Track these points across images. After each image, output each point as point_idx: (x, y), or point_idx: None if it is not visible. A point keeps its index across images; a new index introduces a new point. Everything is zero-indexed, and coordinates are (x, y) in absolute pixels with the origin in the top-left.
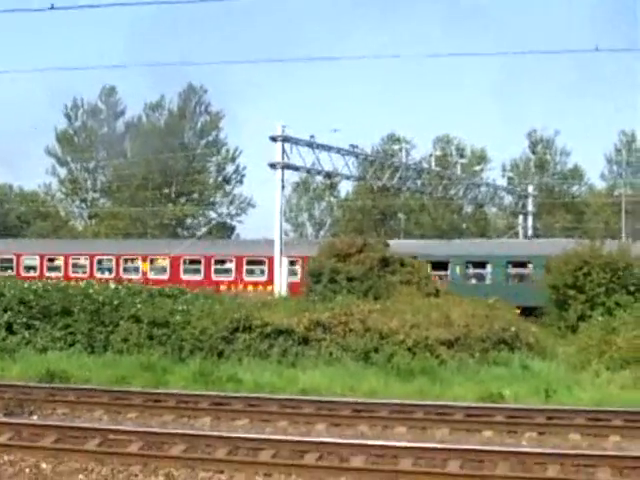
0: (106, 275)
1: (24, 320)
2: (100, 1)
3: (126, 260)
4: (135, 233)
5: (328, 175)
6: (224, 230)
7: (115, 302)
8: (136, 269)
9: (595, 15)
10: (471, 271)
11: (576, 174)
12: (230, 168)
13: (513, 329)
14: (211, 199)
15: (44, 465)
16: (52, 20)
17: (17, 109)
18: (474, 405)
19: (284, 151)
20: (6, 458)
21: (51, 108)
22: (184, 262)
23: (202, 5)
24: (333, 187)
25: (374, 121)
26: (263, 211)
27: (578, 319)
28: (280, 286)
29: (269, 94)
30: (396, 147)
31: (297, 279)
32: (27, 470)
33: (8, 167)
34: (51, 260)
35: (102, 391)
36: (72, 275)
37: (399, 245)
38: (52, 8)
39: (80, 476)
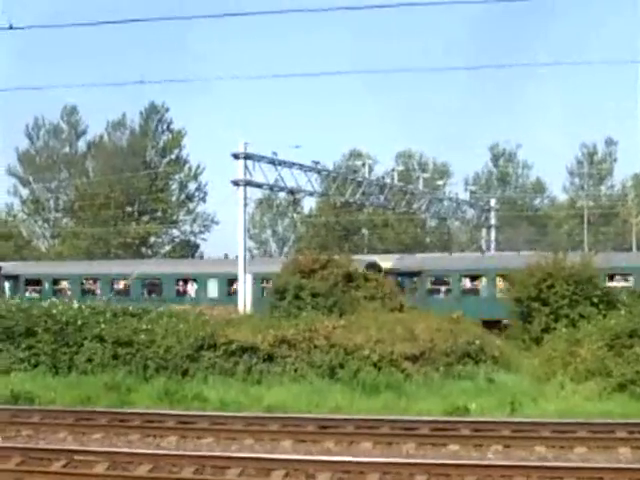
0: None
1: None
2: (62, 21)
3: None
4: (98, 252)
5: (291, 192)
6: (188, 248)
7: (79, 322)
8: None
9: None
10: None
11: (538, 187)
12: (193, 186)
13: (478, 342)
14: (174, 217)
15: None
16: (11, 40)
17: None
18: (440, 419)
19: (246, 168)
20: None
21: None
22: None
23: (161, 23)
24: (296, 203)
25: (336, 137)
26: (227, 228)
27: (542, 331)
28: (244, 304)
29: (231, 111)
30: (358, 163)
31: None
32: None
33: None
34: None
35: (67, 412)
36: None
37: None
38: (11, 28)
39: None
